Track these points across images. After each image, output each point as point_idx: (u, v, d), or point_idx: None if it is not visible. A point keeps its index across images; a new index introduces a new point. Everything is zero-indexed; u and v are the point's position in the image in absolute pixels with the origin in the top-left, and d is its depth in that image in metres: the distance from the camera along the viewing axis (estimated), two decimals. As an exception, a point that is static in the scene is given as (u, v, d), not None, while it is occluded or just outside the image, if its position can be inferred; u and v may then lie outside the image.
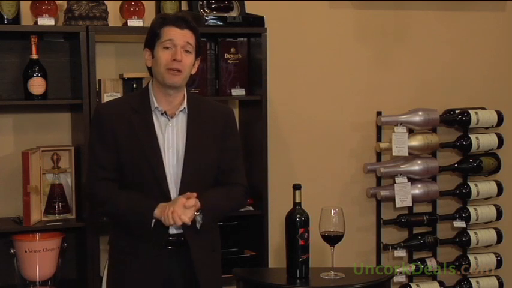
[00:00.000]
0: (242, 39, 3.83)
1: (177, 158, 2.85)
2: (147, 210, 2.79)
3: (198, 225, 2.83)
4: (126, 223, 2.86)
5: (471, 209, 4.35)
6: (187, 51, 2.84)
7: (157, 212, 2.78)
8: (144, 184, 2.84)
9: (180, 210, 2.74)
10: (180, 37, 2.83)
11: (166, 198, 2.82)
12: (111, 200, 2.85)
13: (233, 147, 2.98)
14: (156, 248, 2.83)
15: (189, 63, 2.85)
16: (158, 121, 2.87)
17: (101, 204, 2.90)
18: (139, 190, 2.84)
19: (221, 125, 2.94)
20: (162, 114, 2.87)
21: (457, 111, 4.32)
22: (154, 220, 2.79)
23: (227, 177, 2.95)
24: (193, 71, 2.92)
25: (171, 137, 2.86)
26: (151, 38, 2.87)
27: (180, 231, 2.85)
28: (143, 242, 2.83)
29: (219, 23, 3.72)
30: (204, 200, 2.81)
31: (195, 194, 2.78)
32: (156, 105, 2.87)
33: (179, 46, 2.82)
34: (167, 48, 2.83)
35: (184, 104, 2.89)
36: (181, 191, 2.83)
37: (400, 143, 4.14)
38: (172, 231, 2.85)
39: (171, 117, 2.87)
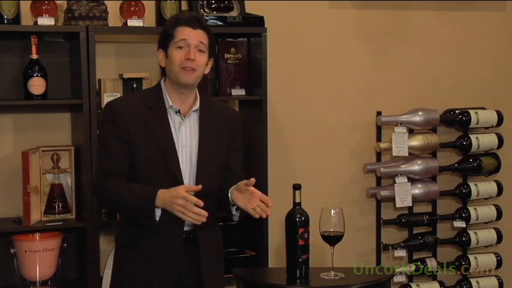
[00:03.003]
0: (242, 39, 3.84)
1: (190, 157, 2.86)
2: (148, 202, 2.75)
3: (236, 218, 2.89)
4: (134, 218, 2.84)
5: (471, 209, 4.35)
6: (200, 51, 2.86)
7: (159, 203, 2.74)
8: (157, 179, 2.81)
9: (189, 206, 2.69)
10: (193, 37, 2.85)
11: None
12: (119, 194, 2.81)
13: (239, 147, 3.02)
14: (169, 246, 2.83)
15: (202, 62, 2.87)
16: (172, 119, 2.88)
17: (110, 200, 2.87)
18: (155, 185, 2.82)
19: (229, 126, 2.98)
20: (176, 112, 2.89)
21: (457, 111, 4.32)
22: (160, 210, 2.75)
23: (236, 177, 2.92)
24: (206, 71, 2.94)
25: (185, 136, 2.88)
26: (165, 38, 2.89)
27: (190, 228, 2.85)
28: (155, 240, 2.83)
29: (219, 23, 3.72)
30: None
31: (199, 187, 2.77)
32: (171, 103, 2.88)
33: (192, 45, 2.84)
34: (181, 47, 2.85)
35: (198, 104, 2.92)
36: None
37: (400, 143, 4.14)
38: (186, 227, 2.85)
39: (185, 117, 2.89)
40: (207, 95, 3.50)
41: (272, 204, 2.80)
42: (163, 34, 2.91)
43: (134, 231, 2.88)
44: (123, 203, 2.82)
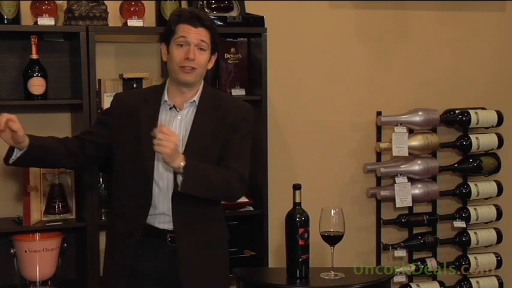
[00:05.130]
0: (242, 39, 3.84)
1: (182, 150, 2.84)
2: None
3: (179, 185, 2.75)
4: None
5: (471, 209, 4.35)
6: (201, 49, 2.86)
7: None
8: (131, 174, 2.87)
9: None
10: (193, 35, 2.85)
11: (148, 190, 2.84)
12: None
13: (236, 138, 2.92)
14: (131, 238, 2.85)
15: (203, 60, 2.88)
16: (167, 114, 2.89)
17: None
18: (127, 179, 2.89)
19: (230, 119, 2.92)
20: (170, 108, 2.89)
21: (457, 111, 4.32)
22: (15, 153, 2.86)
23: (223, 162, 2.89)
24: (210, 66, 2.95)
25: (178, 129, 2.87)
26: (167, 33, 2.90)
27: (171, 227, 2.85)
28: (122, 232, 2.88)
29: (219, 23, 3.71)
30: (190, 159, 2.75)
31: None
32: (166, 98, 2.90)
33: (192, 44, 2.84)
34: (181, 45, 2.85)
35: (195, 97, 2.91)
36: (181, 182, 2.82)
37: (400, 143, 4.14)
38: (164, 226, 2.85)
39: (180, 109, 2.89)
40: (217, 90, 3.50)
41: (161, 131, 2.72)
42: (166, 28, 2.92)
43: (114, 224, 2.98)
44: None
